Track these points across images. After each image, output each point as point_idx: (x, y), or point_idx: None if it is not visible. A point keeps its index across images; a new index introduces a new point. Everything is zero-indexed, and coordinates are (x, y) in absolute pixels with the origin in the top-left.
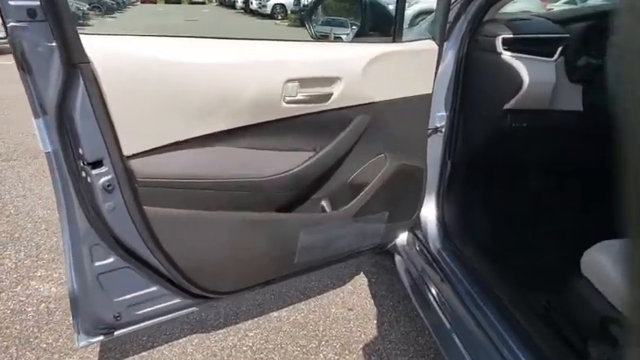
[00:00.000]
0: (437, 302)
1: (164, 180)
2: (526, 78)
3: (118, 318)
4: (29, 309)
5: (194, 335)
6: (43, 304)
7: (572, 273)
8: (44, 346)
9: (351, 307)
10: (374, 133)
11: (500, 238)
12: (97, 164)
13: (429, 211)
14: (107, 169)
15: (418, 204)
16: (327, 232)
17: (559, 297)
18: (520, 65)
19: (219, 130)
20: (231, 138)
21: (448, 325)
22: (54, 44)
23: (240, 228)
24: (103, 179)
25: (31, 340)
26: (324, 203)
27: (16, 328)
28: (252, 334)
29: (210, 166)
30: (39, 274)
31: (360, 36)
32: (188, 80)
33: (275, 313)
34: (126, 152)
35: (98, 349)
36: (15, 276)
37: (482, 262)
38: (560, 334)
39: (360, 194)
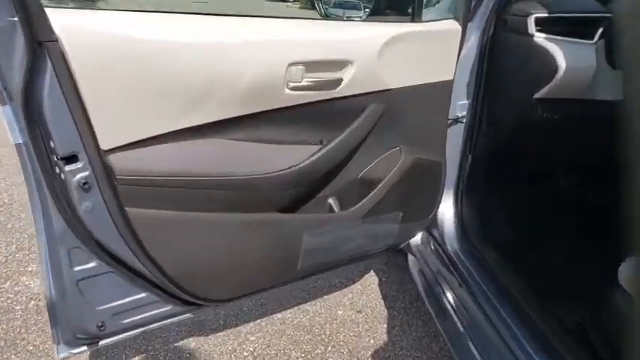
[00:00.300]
0: (452, 308)
1: (148, 178)
2: (562, 63)
3: (102, 328)
4: (17, 307)
5: (191, 339)
6: (33, 302)
7: (608, 284)
8: (31, 348)
9: (359, 308)
10: (389, 123)
11: (525, 240)
12: (71, 159)
13: (446, 208)
14: (83, 164)
15: (436, 202)
16: (335, 234)
17: (593, 310)
18: (555, 48)
19: (211, 120)
20: (226, 130)
21: (465, 333)
22: (16, 19)
23: (236, 231)
24: (78, 176)
25: (17, 341)
26: (331, 202)
27: (2, 328)
28: (253, 338)
29: (201, 161)
30: (30, 269)
31: (375, 15)
32: (176, 63)
33: (278, 315)
34: (104, 146)
35: (88, 352)
36: (5, 270)
37: (504, 266)
38: (595, 353)
39: (372, 192)
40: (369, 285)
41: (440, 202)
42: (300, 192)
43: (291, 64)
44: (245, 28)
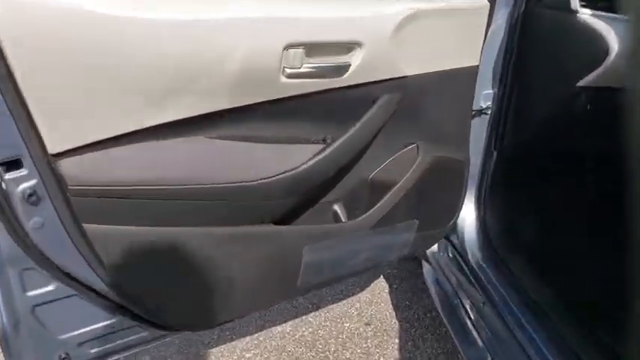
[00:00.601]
0: (473, 324)
1: (110, 188)
2: (613, 45)
3: None
4: None
5: (181, 356)
6: None
7: None
8: None
9: (368, 320)
10: (404, 116)
11: (559, 251)
12: (12, 165)
13: (466, 212)
14: (28, 171)
15: (457, 206)
16: (340, 247)
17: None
18: (604, 28)
19: (189, 115)
20: (208, 126)
21: (487, 354)
22: None
23: (221, 247)
24: (22, 186)
25: None
26: (337, 209)
27: None
28: (249, 355)
29: (177, 166)
30: None
31: None
32: (143, 44)
33: (278, 328)
34: (52, 149)
35: None
36: None
37: (534, 280)
38: None
39: (385, 197)
40: (379, 293)
41: (462, 206)
42: (300, 200)
43: (288, 47)
44: (231, 1)
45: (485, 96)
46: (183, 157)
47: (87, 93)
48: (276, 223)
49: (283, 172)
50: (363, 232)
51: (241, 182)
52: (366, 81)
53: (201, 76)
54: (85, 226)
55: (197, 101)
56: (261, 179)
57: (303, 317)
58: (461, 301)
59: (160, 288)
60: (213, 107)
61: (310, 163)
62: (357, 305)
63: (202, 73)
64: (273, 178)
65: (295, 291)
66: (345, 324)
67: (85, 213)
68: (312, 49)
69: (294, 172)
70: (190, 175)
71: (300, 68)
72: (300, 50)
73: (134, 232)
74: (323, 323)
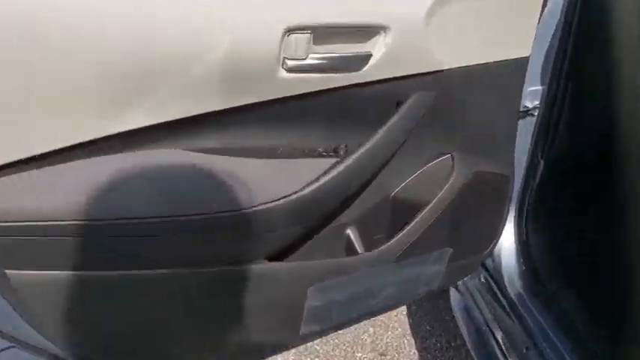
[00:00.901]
0: None
1: (41, 223)
2: None
3: None
4: None
5: None
6: None
7: None
8: None
9: (383, 350)
10: (438, 120)
11: (621, 283)
12: None
13: (505, 231)
14: None
15: (498, 229)
16: (355, 285)
17: None
18: None
19: (158, 121)
20: (185, 136)
21: None
22: None
23: (201, 293)
24: None
25: None
26: (350, 234)
27: None
28: None
29: (141, 190)
30: None
31: None
32: (96, 25)
33: (279, 358)
34: None
35: None
36: None
37: (591, 321)
38: None
39: (412, 221)
40: (395, 317)
41: (503, 230)
42: (305, 229)
43: (289, 31)
44: None
45: (531, 94)
46: (150, 178)
47: (11, 92)
48: (273, 258)
49: (285, 197)
50: (384, 267)
51: (230, 210)
52: (392, 76)
53: (174, 69)
54: (9, 272)
55: (168, 103)
56: (255, 205)
57: (309, 345)
58: (494, 336)
59: (115, 343)
60: (189, 110)
61: (320, 183)
62: (371, 331)
63: (175, 65)
64: (272, 204)
65: (296, 340)
66: (356, 354)
67: (7, 255)
68: (322, 33)
69: (298, 194)
70: (161, 201)
71: (305, 59)
72: (306, 35)
73: (79, 279)
74: (331, 352)
